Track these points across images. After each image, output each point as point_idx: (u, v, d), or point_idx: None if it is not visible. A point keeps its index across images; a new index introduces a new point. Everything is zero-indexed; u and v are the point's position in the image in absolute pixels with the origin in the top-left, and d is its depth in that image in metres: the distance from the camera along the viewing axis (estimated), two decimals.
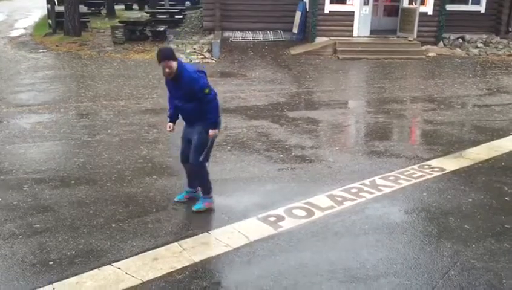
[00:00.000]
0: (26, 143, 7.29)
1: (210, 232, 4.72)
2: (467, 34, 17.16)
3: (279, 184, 5.91)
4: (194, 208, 5.09)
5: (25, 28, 20.19)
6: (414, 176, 6.16)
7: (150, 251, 4.35)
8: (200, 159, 4.92)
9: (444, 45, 16.40)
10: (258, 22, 16.63)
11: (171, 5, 24.70)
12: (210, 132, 4.86)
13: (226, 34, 16.64)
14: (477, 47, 16.45)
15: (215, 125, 4.90)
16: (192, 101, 4.78)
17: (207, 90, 4.74)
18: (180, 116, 5.10)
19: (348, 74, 13.63)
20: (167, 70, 4.66)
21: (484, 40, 17.07)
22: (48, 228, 4.72)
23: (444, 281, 3.97)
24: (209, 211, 5.13)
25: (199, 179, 5.14)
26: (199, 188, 5.27)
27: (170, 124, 5.17)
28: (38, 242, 4.47)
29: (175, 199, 5.33)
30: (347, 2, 16.00)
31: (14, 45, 16.85)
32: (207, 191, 5.15)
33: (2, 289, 3.80)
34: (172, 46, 15.82)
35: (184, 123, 5.09)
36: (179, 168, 6.33)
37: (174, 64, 4.67)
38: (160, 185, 5.78)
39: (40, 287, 3.82)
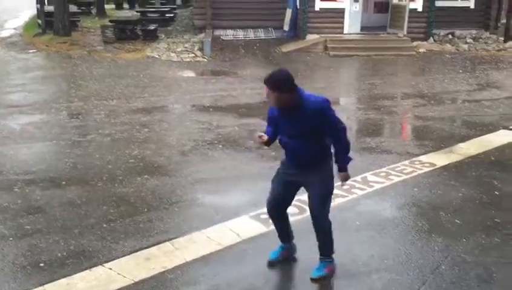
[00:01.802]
0: (17, 144, 7.24)
1: (202, 231, 4.71)
2: (457, 29, 17.24)
3: (271, 182, 5.90)
4: (313, 276, 3.96)
5: (14, 28, 20.02)
6: (405, 171, 6.19)
7: (142, 251, 4.34)
8: (328, 219, 3.96)
9: (434, 40, 16.47)
10: (249, 20, 16.60)
11: (162, 4, 24.63)
12: (340, 175, 3.90)
13: (217, 32, 16.60)
14: (466, 42, 16.54)
15: (347, 164, 3.91)
16: (309, 139, 3.73)
17: (339, 125, 3.77)
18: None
19: (339, 71, 13.67)
20: (268, 97, 3.67)
21: (474, 35, 17.15)
22: (39, 229, 4.70)
23: (435, 276, 4.00)
24: (201, 209, 5.13)
25: (324, 237, 4.02)
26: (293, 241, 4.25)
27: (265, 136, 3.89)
28: (29, 244, 4.45)
29: (269, 258, 4.18)
30: None
31: (3, 45, 16.72)
32: (329, 252, 4.03)
33: None
34: (163, 44, 15.79)
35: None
36: (170, 168, 6.35)
37: (287, 96, 3.59)
38: (152, 185, 5.76)
39: (31, 289, 3.80)
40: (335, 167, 3.93)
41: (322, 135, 3.76)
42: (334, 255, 4.07)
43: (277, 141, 3.98)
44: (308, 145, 3.73)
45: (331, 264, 4.04)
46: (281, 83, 3.59)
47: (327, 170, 3.89)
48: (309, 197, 3.96)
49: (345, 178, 3.96)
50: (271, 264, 4.13)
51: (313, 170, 3.84)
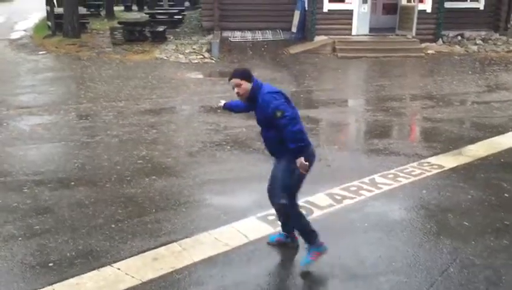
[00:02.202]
0: (26, 145, 7.30)
1: (209, 231, 4.73)
2: (466, 31, 17.15)
3: None
4: (301, 265, 4.17)
5: (24, 30, 20.20)
6: (414, 173, 6.17)
7: (150, 251, 4.36)
8: (283, 201, 4.10)
9: (443, 42, 16.39)
10: (257, 22, 16.63)
11: (170, 6, 24.68)
12: (297, 162, 3.93)
13: (225, 33, 16.63)
14: (476, 44, 16.44)
15: (298, 153, 3.93)
16: (271, 128, 4.04)
17: (279, 114, 3.89)
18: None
19: (347, 73, 13.63)
20: (235, 90, 4.10)
21: (483, 36, 17.06)
22: (48, 230, 4.73)
23: (443, 278, 3.97)
24: (209, 210, 5.14)
25: (292, 223, 4.31)
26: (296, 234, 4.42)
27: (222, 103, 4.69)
28: (38, 244, 4.48)
29: (268, 240, 4.54)
30: (346, 1, 15.98)
31: (14, 47, 16.87)
32: (308, 239, 4.19)
33: None
34: (172, 46, 15.85)
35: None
36: (178, 169, 6.37)
37: (246, 84, 4.07)
38: (160, 186, 5.79)
39: (40, 288, 3.83)
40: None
41: (275, 126, 3.98)
42: (332, 254, 4.10)
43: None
44: (270, 133, 4.09)
45: (318, 251, 4.14)
46: (247, 73, 4.14)
47: (289, 161, 4.01)
48: None
49: (301, 166, 3.94)
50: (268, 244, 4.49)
51: (279, 158, 4.17)
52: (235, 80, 4.09)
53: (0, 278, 3.96)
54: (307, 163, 3.93)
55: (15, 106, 9.56)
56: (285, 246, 4.44)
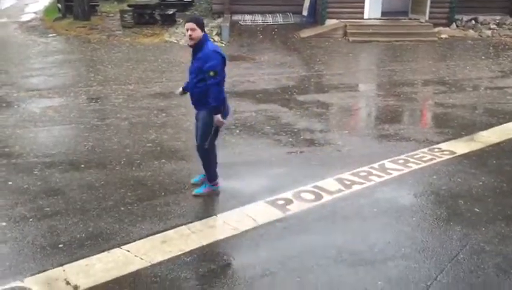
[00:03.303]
0: (37, 127, 7.33)
1: (218, 215, 4.74)
2: (480, 15, 16.82)
3: (287, 167, 5.90)
4: (194, 192, 5.12)
5: (35, 13, 20.18)
6: (424, 159, 6.11)
7: (159, 234, 4.38)
8: (205, 145, 4.89)
9: (457, 26, 16.12)
10: (267, 5, 16.44)
11: None
12: (215, 118, 4.74)
13: (235, 17, 16.49)
14: (490, 28, 16.14)
15: (215, 110, 4.73)
16: (200, 80, 4.72)
17: (212, 73, 4.60)
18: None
19: (358, 57, 13.48)
20: (189, 32, 4.61)
21: (497, 21, 16.73)
22: (58, 211, 4.77)
23: (453, 265, 3.95)
24: (217, 194, 5.15)
25: (204, 164, 5.08)
26: None
27: (181, 89, 5.19)
28: (48, 225, 4.52)
29: (192, 181, 5.34)
30: None
31: (24, 29, 16.88)
32: (209, 177, 5.11)
33: (13, 270, 3.85)
34: (181, 29, 15.74)
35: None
36: (188, 152, 6.37)
37: (199, 31, 4.61)
38: (169, 169, 5.79)
39: (50, 268, 3.87)
40: None
41: (204, 80, 4.67)
42: (341, 239, 4.08)
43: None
44: (199, 86, 4.72)
45: (211, 188, 5.10)
46: (201, 22, 4.71)
47: (209, 115, 4.77)
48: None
49: (218, 122, 4.79)
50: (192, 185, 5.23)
51: (199, 110, 4.89)
52: (191, 24, 4.59)
53: (11, 259, 4.01)
54: (223, 121, 4.79)
55: (25, 88, 9.60)
56: (290, 229, 4.44)
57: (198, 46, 4.68)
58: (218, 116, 4.74)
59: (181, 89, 5.18)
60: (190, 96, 4.96)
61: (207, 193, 5.10)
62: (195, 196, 5.07)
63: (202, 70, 4.65)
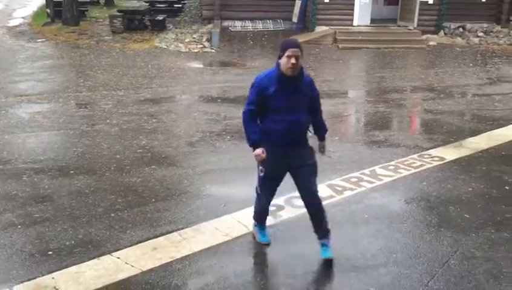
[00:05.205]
0: (25, 133, 7.26)
1: (209, 221, 4.71)
2: (468, 23, 17.04)
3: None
4: (329, 256, 4.09)
5: (23, 18, 20.03)
6: (414, 165, 6.15)
7: (150, 241, 4.34)
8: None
9: (445, 34, 16.30)
10: (257, 11, 16.50)
11: None
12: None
13: (225, 23, 16.52)
14: (477, 36, 16.35)
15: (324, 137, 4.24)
16: (303, 112, 3.92)
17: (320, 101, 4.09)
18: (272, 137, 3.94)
19: (348, 63, 13.56)
20: (292, 60, 3.70)
21: (485, 29, 16.96)
22: (47, 218, 4.71)
23: (444, 270, 3.97)
24: (208, 200, 5.13)
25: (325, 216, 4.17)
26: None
27: (262, 148, 3.98)
28: (37, 232, 4.46)
29: (265, 242, 4.39)
30: None
31: (12, 34, 16.74)
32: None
33: (1, 278, 3.79)
34: (171, 35, 15.74)
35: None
36: (178, 158, 6.34)
37: (301, 57, 3.76)
38: (159, 175, 5.76)
39: (40, 276, 3.82)
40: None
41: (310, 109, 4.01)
42: (333, 245, 4.08)
43: None
44: (303, 117, 3.92)
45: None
46: (299, 42, 3.88)
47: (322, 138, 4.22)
48: (302, 177, 4.06)
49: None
50: (268, 245, 4.29)
51: (301, 145, 4.01)
52: (297, 51, 3.74)
53: (0, 266, 3.95)
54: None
55: (14, 94, 9.51)
56: (281, 235, 4.43)
57: (297, 76, 3.84)
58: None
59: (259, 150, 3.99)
60: (287, 137, 3.90)
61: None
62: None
63: (312, 98, 4.00)
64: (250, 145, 4.05)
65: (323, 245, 4.08)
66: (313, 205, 4.07)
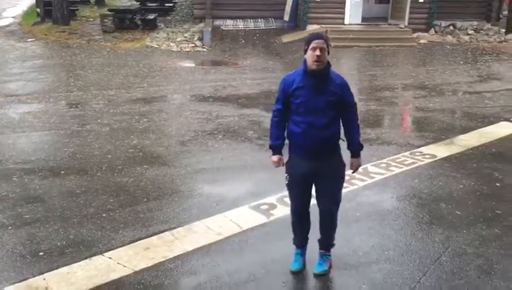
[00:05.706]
0: (15, 133, 7.20)
1: (202, 221, 4.70)
2: (458, 21, 17.14)
3: (271, 172, 5.83)
4: (316, 271, 3.93)
5: (13, 17, 19.86)
6: (406, 163, 6.17)
7: (142, 240, 4.32)
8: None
9: (435, 32, 16.39)
10: (249, 10, 16.48)
11: None
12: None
13: (217, 22, 16.49)
14: (468, 34, 16.46)
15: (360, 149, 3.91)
16: (334, 119, 3.59)
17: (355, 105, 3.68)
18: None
19: (339, 62, 13.56)
20: (317, 52, 3.42)
21: (475, 27, 17.07)
22: (38, 219, 4.68)
23: (435, 267, 3.99)
24: (201, 199, 5.12)
25: (334, 229, 4.01)
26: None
27: (279, 156, 3.77)
28: (28, 233, 4.43)
29: (293, 269, 4.01)
30: None
31: (2, 34, 16.58)
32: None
33: None
34: (163, 34, 15.69)
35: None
36: (170, 158, 6.32)
37: (326, 53, 3.48)
38: (151, 175, 5.74)
39: (31, 277, 3.79)
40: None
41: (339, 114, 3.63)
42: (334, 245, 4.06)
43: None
44: (326, 121, 3.53)
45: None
46: (324, 35, 3.56)
47: (341, 156, 3.73)
48: (322, 190, 3.76)
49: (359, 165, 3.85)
50: (295, 273, 3.91)
51: (329, 153, 3.64)
52: (321, 42, 3.45)
53: None
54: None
55: (3, 94, 9.42)
56: (274, 234, 4.42)
57: (324, 71, 3.54)
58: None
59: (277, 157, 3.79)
60: (307, 142, 3.58)
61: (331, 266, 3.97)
62: (318, 275, 3.88)
63: (343, 99, 3.61)
64: (270, 148, 3.82)
65: (322, 257, 3.92)
66: (322, 224, 3.87)
